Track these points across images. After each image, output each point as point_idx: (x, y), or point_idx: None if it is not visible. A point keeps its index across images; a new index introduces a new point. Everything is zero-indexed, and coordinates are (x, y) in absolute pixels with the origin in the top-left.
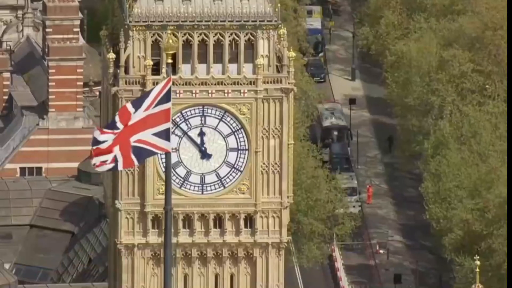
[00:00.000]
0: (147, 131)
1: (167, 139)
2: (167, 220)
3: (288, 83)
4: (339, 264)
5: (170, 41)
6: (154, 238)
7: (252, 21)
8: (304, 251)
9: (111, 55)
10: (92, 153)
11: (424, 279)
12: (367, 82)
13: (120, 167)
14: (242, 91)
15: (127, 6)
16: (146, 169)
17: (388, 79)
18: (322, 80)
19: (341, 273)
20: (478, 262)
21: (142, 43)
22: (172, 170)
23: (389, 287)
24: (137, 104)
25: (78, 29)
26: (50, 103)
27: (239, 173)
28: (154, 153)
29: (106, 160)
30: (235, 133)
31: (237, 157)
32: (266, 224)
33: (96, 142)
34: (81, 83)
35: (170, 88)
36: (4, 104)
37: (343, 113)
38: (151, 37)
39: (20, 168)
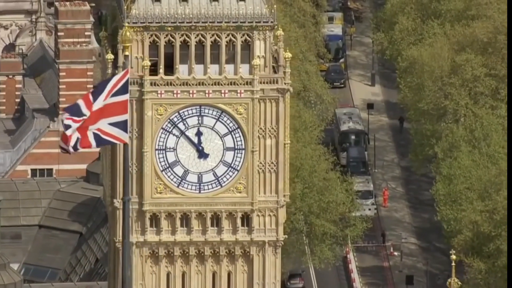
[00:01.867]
0: (104, 120)
1: (125, 130)
2: (125, 211)
3: (285, 83)
4: (353, 265)
5: (127, 33)
6: (152, 236)
7: (249, 22)
8: (317, 253)
9: (110, 56)
10: (65, 139)
11: (435, 280)
12: (386, 87)
13: (78, 147)
14: (238, 91)
15: (125, 7)
16: (144, 168)
17: (401, 84)
18: (342, 85)
19: (355, 275)
20: (454, 257)
21: (140, 44)
22: (169, 169)
23: None
24: (95, 94)
25: (90, 33)
26: (60, 105)
27: (236, 172)
28: (113, 143)
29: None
30: (232, 133)
31: (234, 156)
32: (263, 223)
33: (67, 127)
34: (92, 86)
35: (127, 80)
36: (16, 107)
37: (361, 117)
38: (149, 38)
39: (31, 169)
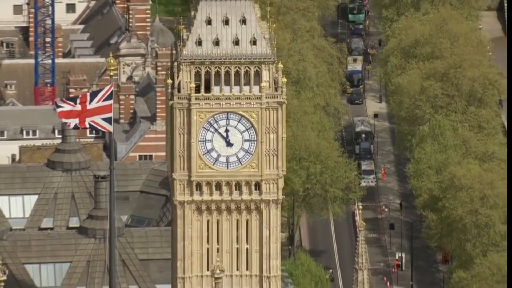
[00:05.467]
0: (98, 116)
1: (110, 123)
2: (111, 177)
3: (282, 98)
4: (358, 217)
5: (112, 61)
6: (197, 197)
7: (258, 59)
8: (331, 209)
9: (169, 81)
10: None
11: (406, 227)
12: (388, 103)
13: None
14: (252, 103)
15: (179, 49)
16: (192, 152)
17: (390, 101)
18: (361, 103)
19: (359, 224)
20: (360, 206)
21: (188, 73)
22: (208, 153)
23: (387, 232)
24: (92, 97)
25: None
26: (157, 114)
27: (251, 155)
28: (102, 130)
29: (70, 123)
30: (248, 130)
31: (249, 145)
32: (269, 188)
33: (58, 106)
34: None
35: (112, 91)
36: (130, 115)
37: (369, 123)
38: (194, 69)
39: (138, 155)
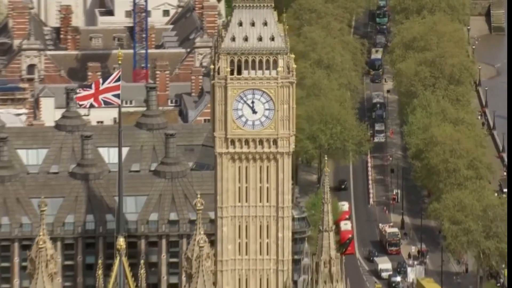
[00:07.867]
0: (109, 93)
1: (118, 98)
2: (120, 135)
3: (292, 79)
4: (369, 164)
5: (120, 53)
6: (231, 149)
7: (276, 51)
8: (348, 158)
9: (212, 66)
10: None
11: (401, 171)
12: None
13: (95, 105)
14: (271, 82)
15: (219, 44)
16: (228, 117)
17: (394, 80)
18: (379, 82)
19: (370, 168)
20: (325, 160)
21: (225, 61)
22: (239, 118)
23: (389, 175)
24: (104, 80)
25: None
26: None
27: (270, 120)
28: (112, 103)
29: (87, 103)
30: (268, 102)
31: (269, 113)
32: (283, 144)
33: (77, 93)
34: None
35: (120, 76)
36: (199, 90)
37: (383, 96)
38: (229, 58)
39: (204, 119)
